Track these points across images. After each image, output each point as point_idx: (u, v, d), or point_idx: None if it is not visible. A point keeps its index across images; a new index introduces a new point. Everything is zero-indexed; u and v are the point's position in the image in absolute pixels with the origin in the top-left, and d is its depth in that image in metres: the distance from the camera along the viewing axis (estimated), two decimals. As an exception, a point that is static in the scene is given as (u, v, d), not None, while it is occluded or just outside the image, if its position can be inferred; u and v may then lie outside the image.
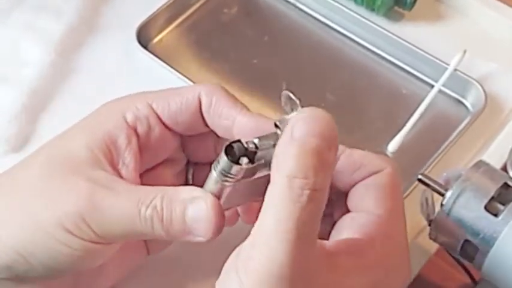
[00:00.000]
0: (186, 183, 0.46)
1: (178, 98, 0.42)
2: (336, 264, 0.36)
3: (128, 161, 0.41)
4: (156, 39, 0.64)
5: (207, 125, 0.43)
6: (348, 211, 0.40)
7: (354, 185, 0.40)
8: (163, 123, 0.43)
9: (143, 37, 0.63)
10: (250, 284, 0.33)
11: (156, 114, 0.42)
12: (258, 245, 0.33)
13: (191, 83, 0.59)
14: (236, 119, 0.41)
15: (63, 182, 0.39)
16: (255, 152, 0.37)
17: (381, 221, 0.38)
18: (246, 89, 0.61)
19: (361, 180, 0.40)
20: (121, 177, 0.41)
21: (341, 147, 0.40)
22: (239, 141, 0.37)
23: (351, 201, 0.40)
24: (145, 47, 0.62)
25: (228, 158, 0.36)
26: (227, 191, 0.38)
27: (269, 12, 0.67)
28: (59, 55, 0.62)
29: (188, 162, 0.47)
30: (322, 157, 0.34)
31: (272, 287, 0.33)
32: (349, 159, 0.40)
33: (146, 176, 0.43)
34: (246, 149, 0.37)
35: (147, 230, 0.39)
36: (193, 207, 0.38)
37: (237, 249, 0.35)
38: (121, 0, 0.66)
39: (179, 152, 0.45)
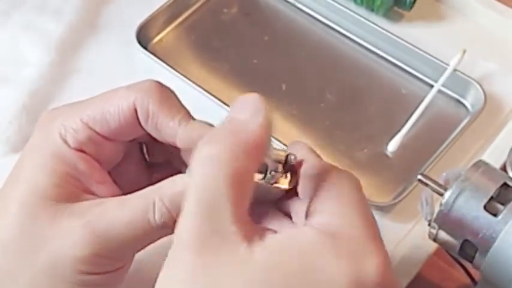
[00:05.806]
0: (146, 163, 0.45)
1: (112, 109, 0.40)
2: None
3: (98, 178, 0.40)
4: (156, 39, 0.64)
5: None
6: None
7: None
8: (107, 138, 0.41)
9: (143, 37, 0.63)
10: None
11: (96, 131, 0.41)
12: None
13: (191, 83, 0.59)
14: (177, 132, 0.40)
15: (53, 229, 0.38)
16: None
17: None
18: (246, 89, 0.61)
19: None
20: (100, 196, 0.40)
21: (315, 162, 0.38)
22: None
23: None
24: (145, 47, 0.62)
25: None
26: None
27: (269, 12, 0.67)
28: (59, 55, 0.62)
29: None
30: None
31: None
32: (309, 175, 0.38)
33: (113, 176, 0.42)
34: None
35: (164, 232, 0.38)
36: None
37: None
38: (121, 0, 0.66)
39: (131, 146, 0.44)
